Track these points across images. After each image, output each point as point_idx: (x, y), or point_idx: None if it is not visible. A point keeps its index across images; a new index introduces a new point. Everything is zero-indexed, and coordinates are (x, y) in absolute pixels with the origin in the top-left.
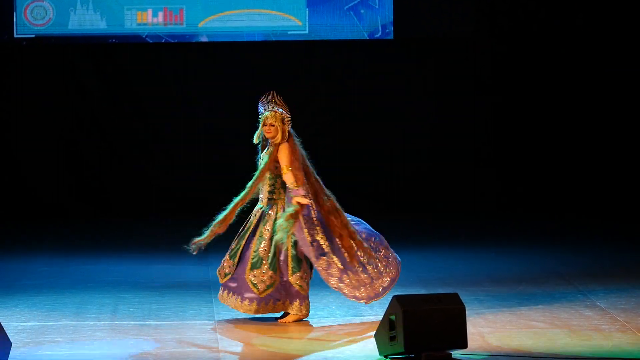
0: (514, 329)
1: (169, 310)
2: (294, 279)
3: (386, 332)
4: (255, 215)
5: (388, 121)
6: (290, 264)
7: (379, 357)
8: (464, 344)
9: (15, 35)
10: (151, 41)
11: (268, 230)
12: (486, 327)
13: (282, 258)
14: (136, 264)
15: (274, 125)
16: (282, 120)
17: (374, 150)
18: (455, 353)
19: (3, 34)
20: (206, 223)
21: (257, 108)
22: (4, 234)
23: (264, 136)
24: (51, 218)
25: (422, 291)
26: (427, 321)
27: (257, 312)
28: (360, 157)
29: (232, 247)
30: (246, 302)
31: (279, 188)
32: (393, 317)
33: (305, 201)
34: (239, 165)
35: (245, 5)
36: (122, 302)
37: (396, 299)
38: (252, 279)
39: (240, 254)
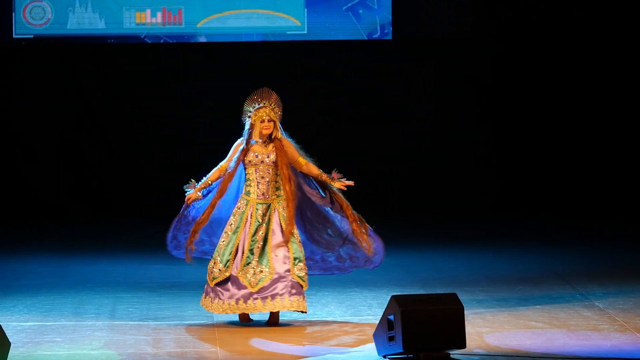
0: (512, 329)
1: (167, 311)
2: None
3: (385, 332)
4: (261, 212)
5: (388, 121)
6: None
7: (378, 357)
8: (462, 344)
9: (14, 36)
10: (150, 41)
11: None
12: (485, 327)
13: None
14: (135, 264)
15: (272, 121)
16: (279, 116)
17: (373, 150)
18: (454, 353)
19: (2, 35)
20: None
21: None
22: (4, 234)
23: (262, 133)
24: (51, 218)
25: (421, 291)
26: (425, 321)
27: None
28: (360, 157)
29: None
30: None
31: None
32: (392, 317)
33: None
34: None
35: (243, 5)
36: (121, 302)
37: (395, 299)
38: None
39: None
